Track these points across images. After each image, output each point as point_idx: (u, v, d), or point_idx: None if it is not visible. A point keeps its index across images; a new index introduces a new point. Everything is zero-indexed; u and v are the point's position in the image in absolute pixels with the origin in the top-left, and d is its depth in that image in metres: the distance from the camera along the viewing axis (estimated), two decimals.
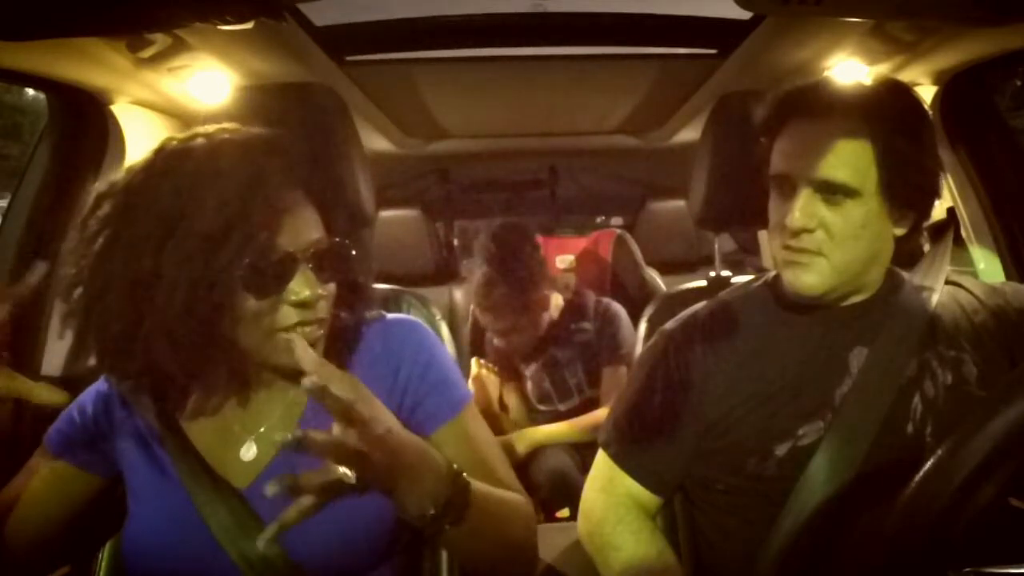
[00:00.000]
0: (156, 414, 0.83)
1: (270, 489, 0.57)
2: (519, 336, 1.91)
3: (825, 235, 0.88)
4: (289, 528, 0.61)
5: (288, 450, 0.59)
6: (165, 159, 0.75)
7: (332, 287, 0.80)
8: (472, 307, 2.25)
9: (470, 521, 0.71)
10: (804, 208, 0.88)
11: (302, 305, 0.75)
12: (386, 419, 0.66)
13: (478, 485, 0.75)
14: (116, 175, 0.77)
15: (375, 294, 0.91)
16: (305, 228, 0.77)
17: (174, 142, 0.76)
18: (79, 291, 0.74)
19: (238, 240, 0.70)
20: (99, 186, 0.77)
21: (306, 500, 0.60)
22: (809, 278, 0.90)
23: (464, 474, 0.73)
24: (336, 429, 0.62)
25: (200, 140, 0.76)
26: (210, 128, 0.78)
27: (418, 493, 0.68)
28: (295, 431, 0.59)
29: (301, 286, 0.75)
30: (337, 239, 0.80)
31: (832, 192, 0.87)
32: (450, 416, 0.88)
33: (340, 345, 0.87)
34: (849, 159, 0.87)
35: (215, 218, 0.70)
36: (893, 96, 0.91)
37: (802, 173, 0.89)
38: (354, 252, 0.82)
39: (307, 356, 0.64)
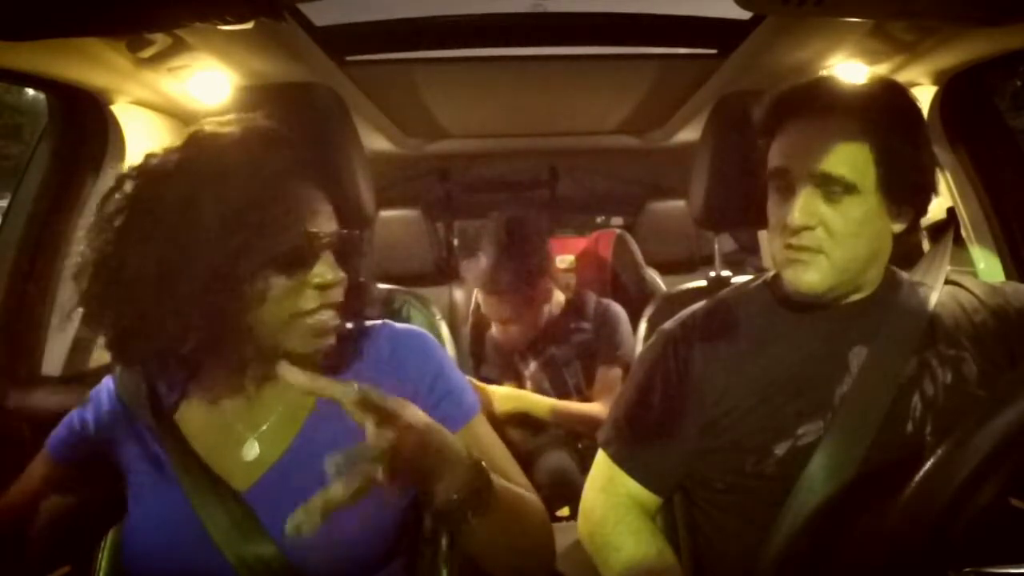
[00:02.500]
0: (154, 414, 0.83)
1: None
2: (519, 326, 1.92)
3: (825, 233, 0.88)
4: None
5: (291, 451, 0.58)
6: (194, 142, 0.77)
7: (343, 276, 0.82)
8: (472, 306, 2.26)
9: (492, 512, 0.72)
10: (804, 206, 0.88)
11: (325, 287, 0.77)
12: (407, 409, 0.67)
13: (498, 480, 0.75)
14: (135, 161, 0.78)
15: (378, 294, 0.92)
16: (325, 219, 0.80)
17: (204, 129, 0.78)
18: (93, 271, 0.74)
19: (269, 219, 0.72)
20: (119, 169, 0.79)
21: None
22: (810, 276, 0.90)
23: (484, 463, 0.73)
24: (370, 428, 0.63)
25: (229, 128, 0.77)
26: (235, 117, 0.80)
27: (443, 478, 0.68)
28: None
29: (325, 269, 0.77)
30: (348, 232, 0.83)
31: (832, 186, 0.87)
32: (461, 424, 0.87)
33: (348, 347, 0.87)
34: (847, 156, 0.87)
35: (246, 197, 0.72)
36: (888, 94, 0.91)
37: (801, 169, 0.89)
38: (364, 248, 0.84)
39: (301, 379, 0.64)
